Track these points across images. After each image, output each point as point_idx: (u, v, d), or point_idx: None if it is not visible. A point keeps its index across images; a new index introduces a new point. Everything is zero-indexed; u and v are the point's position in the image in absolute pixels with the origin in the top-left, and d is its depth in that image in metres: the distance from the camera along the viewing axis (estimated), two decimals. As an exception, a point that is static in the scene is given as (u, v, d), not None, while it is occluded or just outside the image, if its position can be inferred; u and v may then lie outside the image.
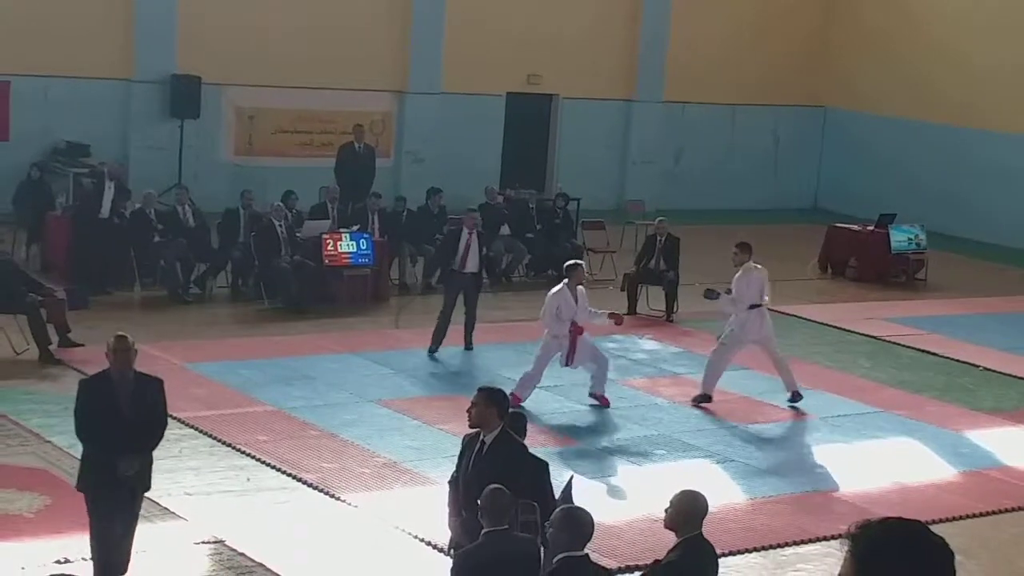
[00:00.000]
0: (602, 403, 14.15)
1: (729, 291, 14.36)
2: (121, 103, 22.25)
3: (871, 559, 3.07)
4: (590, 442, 12.98)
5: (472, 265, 15.89)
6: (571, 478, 9.44)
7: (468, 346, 15.97)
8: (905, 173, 27.05)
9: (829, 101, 28.86)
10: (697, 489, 7.39)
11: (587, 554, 6.79)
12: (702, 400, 14.36)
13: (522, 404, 13.02)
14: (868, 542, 3.09)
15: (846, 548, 3.12)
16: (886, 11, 27.76)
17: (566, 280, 13.90)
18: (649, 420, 13.81)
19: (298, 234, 17.88)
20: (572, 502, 9.05)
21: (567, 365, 13.95)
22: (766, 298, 14.34)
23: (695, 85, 27.11)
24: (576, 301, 13.79)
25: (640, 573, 7.15)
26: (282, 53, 23.12)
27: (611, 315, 14.34)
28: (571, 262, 14.41)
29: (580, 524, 6.79)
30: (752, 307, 14.23)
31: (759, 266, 14.41)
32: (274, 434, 12.31)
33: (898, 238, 22.10)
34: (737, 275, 14.34)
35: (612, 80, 26.57)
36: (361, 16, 23.93)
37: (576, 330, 13.82)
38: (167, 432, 12.15)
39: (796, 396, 14.51)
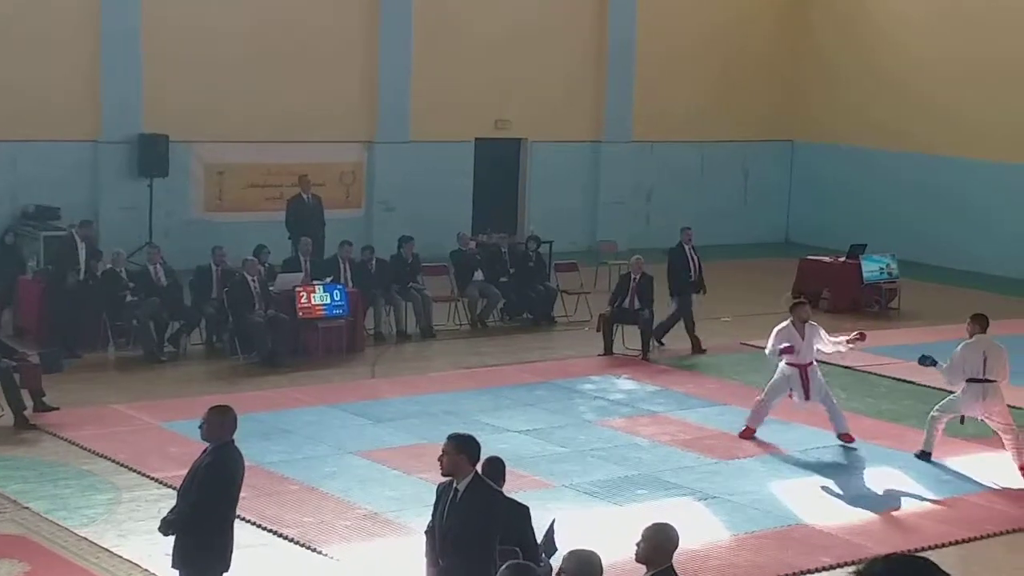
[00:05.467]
0: (847, 441, 14.46)
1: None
2: (89, 164, 22.24)
3: None
4: (570, 484, 12.95)
5: None
6: (553, 521, 9.42)
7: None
8: (874, 203, 27.21)
9: (796, 135, 29.05)
10: (673, 525, 7.38)
11: None
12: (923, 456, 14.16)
13: (755, 434, 14.50)
14: None
15: None
16: (848, 46, 28.01)
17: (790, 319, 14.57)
18: (629, 460, 13.79)
19: (271, 288, 17.85)
20: (555, 545, 9.03)
21: (806, 399, 14.44)
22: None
23: (663, 124, 27.26)
24: (803, 337, 14.27)
25: None
26: (249, 108, 23.16)
27: (849, 341, 14.71)
28: (794, 300, 15.22)
29: (592, 566, 6.81)
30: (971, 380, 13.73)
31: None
32: (253, 490, 12.22)
33: (870, 268, 22.21)
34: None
35: (580, 122, 26.71)
36: (328, 68, 24.01)
37: (801, 366, 14.31)
38: (147, 493, 12.19)
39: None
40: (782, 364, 14.50)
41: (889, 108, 27.08)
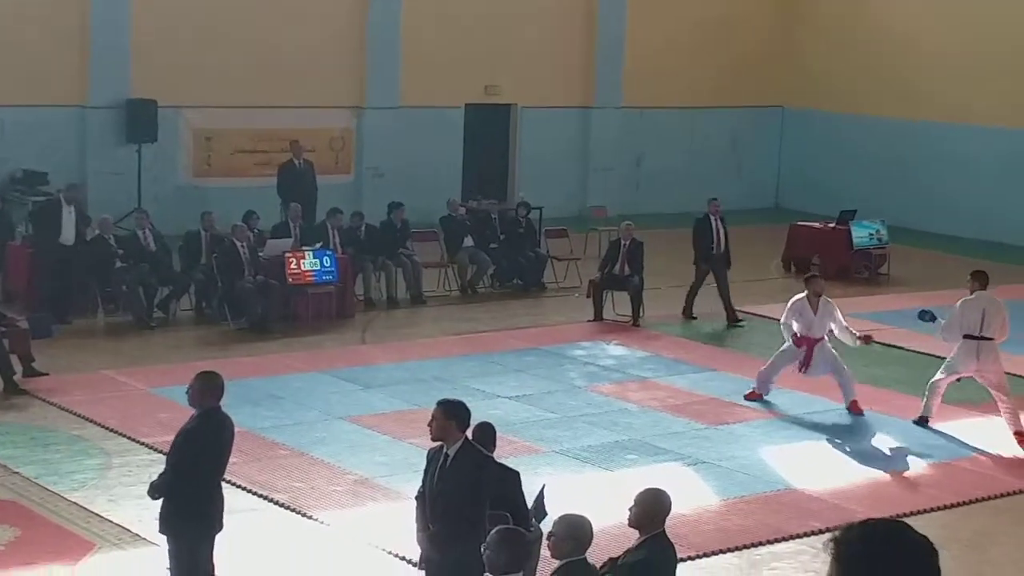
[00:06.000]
0: (855, 411, 14.39)
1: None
2: (77, 129, 22.13)
3: (854, 561, 3.08)
4: (561, 450, 12.98)
5: None
6: (543, 487, 9.44)
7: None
8: (864, 169, 27.21)
9: (786, 100, 29.01)
10: (664, 489, 7.42)
11: (585, 558, 6.88)
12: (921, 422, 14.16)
13: (763, 398, 14.63)
14: (851, 544, 3.10)
15: (829, 551, 3.11)
16: (840, 12, 27.94)
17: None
18: (619, 425, 13.81)
19: (260, 254, 17.82)
20: (545, 511, 9.06)
21: (802, 371, 14.50)
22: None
23: (653, 89, 27.18)
24: (815, 312, 14.26)
25: (600, 570, 7.19)
26: (238, 73, 23.05)
27: (863, 337, 14.61)
28: (808, 274, 15.11)
29: (583, 531, 6.85)
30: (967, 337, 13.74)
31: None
32: (243, 455, 12.22)
33: (859, 234, 22.23)
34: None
35: (570, 87, 26.63)
36: (316, 33, 23.89)
37: (809, 341, 14.29)
38: (136, 458, 12.20)
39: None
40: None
41: (879, 74, 27.03)
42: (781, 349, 14.69)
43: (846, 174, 27.34)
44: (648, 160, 27.66)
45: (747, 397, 14.78)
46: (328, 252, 18.13)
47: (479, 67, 25.35)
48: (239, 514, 10.88)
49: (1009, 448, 13.56)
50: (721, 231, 18.76)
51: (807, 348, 14.38)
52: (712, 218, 18.77)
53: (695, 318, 18.60)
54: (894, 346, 17.16)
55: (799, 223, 23.13)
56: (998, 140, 25.43)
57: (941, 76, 26.06)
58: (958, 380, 14.06)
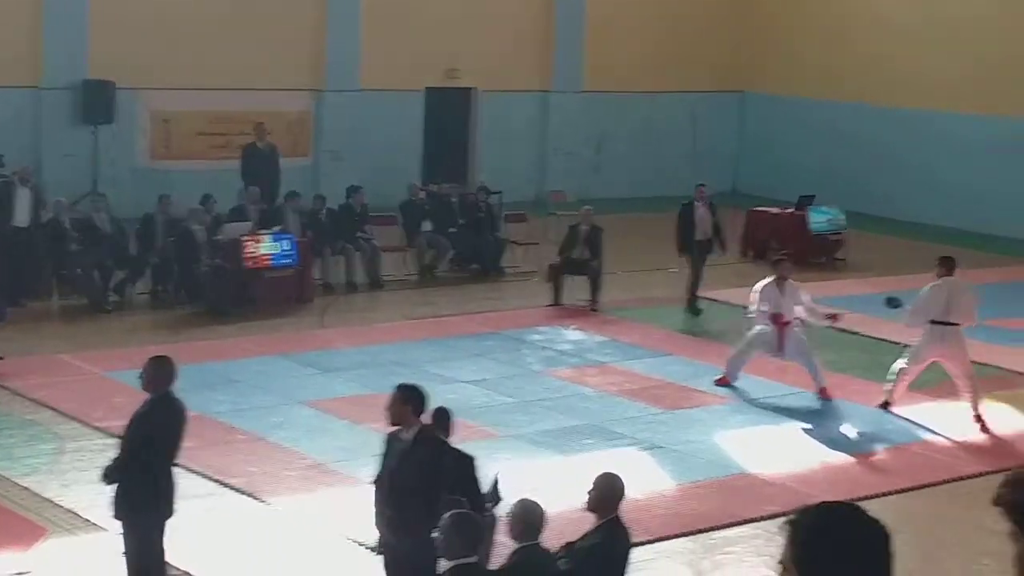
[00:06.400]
0: (824, 397, 14.41)
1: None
2: (32, 111, 21.92)
3: (810, 544, 3.11)
4: (517, 434, 12.99)
5: None
6: (498, 472, 9.45)
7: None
8: (822, 155, 27.32)
9: (746, 86, 29.08)
10: (619, 474, 7.47)
11: (539, 543, 6.93)
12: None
13: (732, 384, 14.60)
14: (806, 527, 3.13)
15: (785, 534, 3.14)
16: (798, -5, 28.06)
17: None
18: (576, 410, 13.84)
19: (218, 237, 17.72)
20: (499, 495, 9.07)
21: (777, 356, 14.52)
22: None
23: (613, 74, 27.19)
24: (782, 294, 14.29)
25: (555, 555, 7.26)
26: (197, 55, 22.89)
27: (830, 316, 14.70)
28: (776, 256, 15.13)
29: (535, 515, 6.92)
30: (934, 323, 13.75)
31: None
32: (199, 440, 12.13)
33: (817, 219, 22.34)
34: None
35: (530, 72, 26.60)
36: (276, 15, 23.75)
37: (780, 323, 14.28)
38: (90, 443, 12.11)
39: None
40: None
41: (838, 60, 27.13)
42: (753, 334, 14.67)
43: (805, 159, 27.44)
44: (608, 144, 27.67)
45: (717, 383, 14.80)
46: (287, 236, 18.05)
47: (439, 51, 25.26)
48: (195, 499, 10.83)
49: (964, 432, 13.66)
50: (707, 218, 18.46)
51: (780, 331, 14.38)
52: (697, 204, 18.51)
53: (700, 311, 18.18)
54: (850, 331, 17.24)
55: (757, 208, 23.21)
56: (959, 127, 25.57)
57: (904, 62, 26.17)
58: (927, 366, 14.11)
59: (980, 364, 14.77)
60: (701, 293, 18.50)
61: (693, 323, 18.00)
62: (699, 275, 18.29)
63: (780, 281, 14.50)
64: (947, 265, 13.93)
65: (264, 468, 11.76)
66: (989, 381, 14.61)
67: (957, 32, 25.46)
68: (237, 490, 11.22)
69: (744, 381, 14.91)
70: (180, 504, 8.80)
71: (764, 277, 15.05)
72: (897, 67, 26.22)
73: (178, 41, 22.69)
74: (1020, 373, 15.84)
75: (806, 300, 14.56)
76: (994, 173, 25.02)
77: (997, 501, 3.25)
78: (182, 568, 9.54)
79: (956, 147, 25.63)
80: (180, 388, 9.13)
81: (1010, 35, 24.89)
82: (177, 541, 10.01)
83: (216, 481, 11.35)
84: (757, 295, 14.58)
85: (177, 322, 16.89)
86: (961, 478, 12.38)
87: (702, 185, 18.96)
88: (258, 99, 23.48)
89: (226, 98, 23.27)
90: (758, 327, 14.57)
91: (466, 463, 8.87)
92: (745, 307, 15.09)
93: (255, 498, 11.06)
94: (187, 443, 11.29)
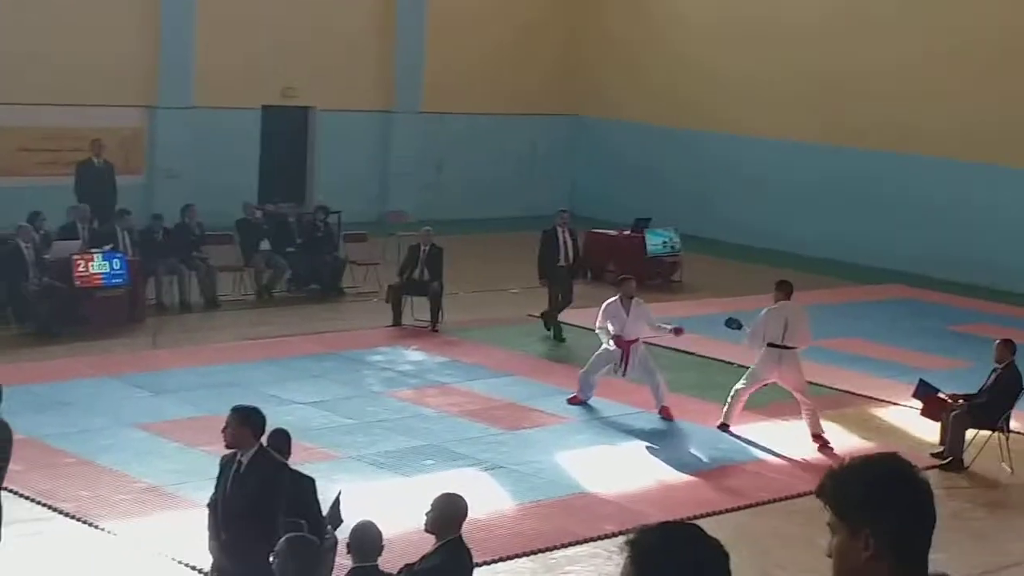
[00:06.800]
0: (666, 416, 14.49)
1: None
2: None
3: (649, 564, 3.10)
4: (357, 455, 12.85)
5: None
6: (339, 493, 9.34)
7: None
8: (657, 178, 27.74)
9: (582, 110, 29.40)
10: (461, 495, 7.44)
11: (376, 565, 6.87)
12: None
13: (586, 402, 14.75)
14: (645, 547, 3.12)
15: (625, 554, 3.13)
16: (632, 22, 28.45)
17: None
18: (416, 431, 13.76)
19: (47, 256, 17.23)
20: (341, 518, 8.95)
21: (621, 374, 14.59)
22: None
23: (453, 96, 27.23)
24: (627, 313, 14.37)
25: None
26: (24, 69, 22.23)
27: (675, 330, 14.75)
28: (621, 276, 15.24)
29: (371, 537, 6.87)
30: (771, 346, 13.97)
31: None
32: (26, 463, 11.76)
33: (653, 242, 22.66)
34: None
35: (369, 92, 26.48)
36: (108, 29, 23.21)
37: (624, 343, 14.33)
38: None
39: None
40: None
41: (673, 84, 27.60)
42: (598, 352, 14.80)
43: (640, 183, 27.82)
44: (448, 166, 27.69)
45: (570, 402, 14.90)
46: (118, 255, 17.63)
47: (276, 69, 25.00)
48: (22, 524, 10.48)
49: (801, 451, 13.94)
50: (568, 243, 18.53)
51: (624, 350, 14.52)
52: (560, 230, 18.57)
53: (564, 340, 17.95)
54: (685, 352, 17.48)
55: (595, 230, 23.43)
56: (785, 150, 26.20)
57: (729, 91, 26.73)
58: (764, 386, 14.41)
59: (813, 384, 15.10)
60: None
61: (535, 343, 18.05)
62: (568, 299, 18.30)
63: (625, 300, 14.66)
64: (784, 289, 14.26)
65: (95, 492, 11.43)
66: (819, 400, 14.94)
67: (790, 51, 26.07)
68: (66, 514, 10.88)
69: (590, 401, 14.98)
70: (6, 529, 8.48)
71: (601, 297, 15.19)
72: (729, 91, 26.77)
73: (4, 55, 21.98)
74: (849, 392, 16.25)
75: (651, 318, 14.78)
76: (816, 200, 25.73)
77: (819, 492, 3.29)
78: (8, 597, 9.21)
79: (782, 168, 26.24)
80: (6, 410, 8.83)
81: (831, 59, 25.59)
82: (3, 567, 9.67)
83: (45, 505, 11.00)
84: (601, 312, 14.71)
85: (4, 342, 16.34)
86: (798, 495, 12.61)
87: (564, 211, 19.13)
88: (89, 115, 22.88)
89: (55, 114, 22.64)
90: (603, 345, 14.71)
91: (305, 485, 8.74)
92: (593, 328, 15.18)
93: (86, 523, 10.74)
94: (13, 466, 10.95)
